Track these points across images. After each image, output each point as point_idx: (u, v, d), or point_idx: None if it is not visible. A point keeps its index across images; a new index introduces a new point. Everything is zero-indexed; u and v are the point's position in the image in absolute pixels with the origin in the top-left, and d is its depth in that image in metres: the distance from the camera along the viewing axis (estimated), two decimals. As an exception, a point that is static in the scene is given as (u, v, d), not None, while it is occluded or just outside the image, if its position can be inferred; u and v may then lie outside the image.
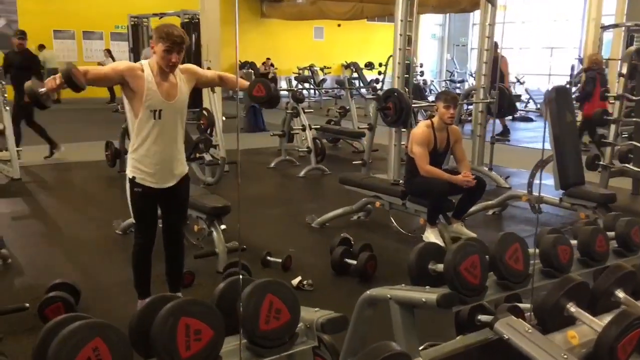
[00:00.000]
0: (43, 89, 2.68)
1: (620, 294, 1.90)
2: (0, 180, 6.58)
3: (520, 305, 2.52)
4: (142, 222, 3.22)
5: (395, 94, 5.82)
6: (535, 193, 4.94)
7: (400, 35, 5.97)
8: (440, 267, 2.08)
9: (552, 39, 17.81)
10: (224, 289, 1.75)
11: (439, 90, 17.62)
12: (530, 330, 1.69)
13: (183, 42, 2.97)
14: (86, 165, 7.61)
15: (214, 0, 8.79)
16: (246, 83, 3.30)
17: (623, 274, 1.90)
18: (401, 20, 5.95)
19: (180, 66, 3.14)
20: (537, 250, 2.26)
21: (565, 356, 1.56)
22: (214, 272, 4.01)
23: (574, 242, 2.32)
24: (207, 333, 1.52)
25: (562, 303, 1.82)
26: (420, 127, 4.32)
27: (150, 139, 3.05)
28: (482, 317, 2.34)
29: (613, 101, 6.16)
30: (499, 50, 7.57)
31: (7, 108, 6.66)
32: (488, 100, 6.52)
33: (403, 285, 2.02)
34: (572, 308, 1.80)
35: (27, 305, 3.22)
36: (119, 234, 4.79)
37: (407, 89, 5.96)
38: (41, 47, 15.19)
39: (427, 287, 1.95)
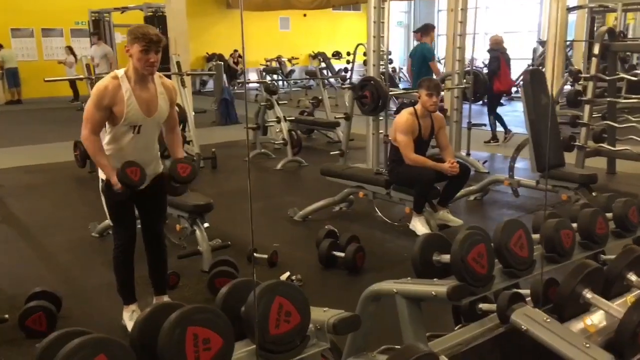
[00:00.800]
0: (117, 189, 2.85)
1: (633, 277, 1.87)
2: (-35, 186, 6.31)
3: (521, 291, 2.50)
4: (120, 224, 3.10)
5: (372, 82, 5.77)
6: (517, 177, 4.96)
7: (374, 22, 5.91)
8: (445, 258, 2.02)
9: (510, 23, 18.04)
10: (228, 293, 1.66)
11: (408, 78, 17.73)
12: (548, 320, 1.65)
13: (160, 40, 2.84)
14: (54, 167, 7.36)
15: (180, -8, 8.57)
16: (178, 154, 3.13)
17: (635, 257, 1.88)
18: (374, 7, 5.88)
19: (165, 80, 3.03)
20: (539, 236, 2.24)
21: (588, 345, 1.52)
22: (199, 271, 3.91)
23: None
24: (216, 341, 1.44)
25: (578, 290, 1.78)
26: (404, 115, 4.27)
27: (127, 149, 2.95)
28: (485, 306, 2.31)
29: (585, 82, 6.23)
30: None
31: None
32: (463, 86, 6.52)
33: (409, 278, 1.96)
34: (589, 294, 1.77)
35: (7, 316, 3.07)
36: (96, 236, 4.64)
37: (382, 77, 5.92)
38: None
39: (434, 279, 1.89)
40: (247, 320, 1.55)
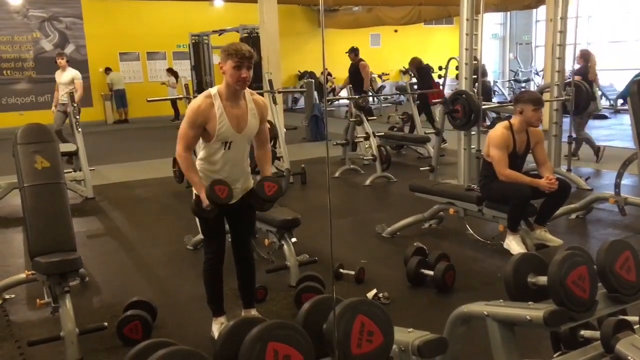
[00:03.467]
0: (205, 205, 2.93)
1: None
2: (74, 200, 6.77)
3: (628, 317, 2.29)
4: (210, 238, 3.18)
5: (464, 95, 5.63)
6: (623, 194, 4.60)
7: (467, 34, 5.78)
8: (541, 280, 1.89)
9: (617, 32, 16.94)
10: (309, 310, 1.64)
11: (503, 91, 17.15)
12: (660, 352, 1.48)
13: (252, 56, 2.91)
14: (155, 182, 7.76)
15: (273, 13, 8.82)
16: (266, 171, 3.18)
17: None
18: (467, 20, 5.75)
19: (255, 96, 3.09)
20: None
21: None
22: (286, 286, 3.93)
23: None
24: (296, 358, 1.41)
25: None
26: (499, 129, 4.08)
27: (218, 165, 3.05)
28: (587, 333, 2.13)
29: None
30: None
31: (80, 129, 6.87)
32: (563, 98, 6.18)
33: (501, 301, 1.85)
34: None
35: (106, 324, 3.22)
36: (190, 249, 4.80)
37: (475, 90, 5.74)
38: (107, 70, 15.81)
39: (529, 302, 1.77)
40: (329, 338, 1.51)
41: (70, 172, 6.82)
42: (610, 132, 10.41)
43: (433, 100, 8.59)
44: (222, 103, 2.94)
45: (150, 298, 3.56)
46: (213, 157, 3.03)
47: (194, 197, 3.05)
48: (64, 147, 6.73)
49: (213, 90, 3.00)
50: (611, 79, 15.04)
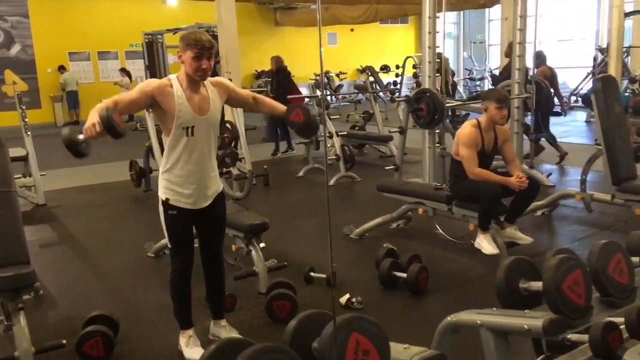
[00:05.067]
0: (82, 136, 2.48)
1: None
2: (25, 207, 6.41)
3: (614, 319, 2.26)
4: (179, 246, 3.01)
5: (428, 94, 5.58)
6: (589, 191, 4.64)
7: (429, 32, 5.72)
8: (534, 285, 1.82)
9: (564, 31, 17.41)
10: (297, 327, 1.52)
11: (459, 89, 17.36)
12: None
13: (212, 46, 2.78)
14: (111, 187, 7.46)
15: (231, 11, 8.61)
16: (283, 108, 3.09)
17: None
18: (429, 17, 5.70)
19: (211, 79, 2.95)
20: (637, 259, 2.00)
21: None
22: (255, 293, 3.78)
23: None
24: (288, 385, 1.29)
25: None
26: (467, 128, 4.04)
27: (184, 157, 2.86)
28: (574, 337, 2.08)
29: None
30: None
31: (29, 133, 6.52)
32: (524, 95, 6.23)
33: (494, 309, 1.77)
34: None
35: (64, 341, 3.01)
36: (152, 256, 4.59)
37: (438, 89, 5.71)
38: (61, 68, 15.20)
39: (525, 310, 1.69)
40: (321, 359, 1.39)
41: (20, 177, 6.46)
42: (566, 128, 10.64)
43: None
44: (181, 87, 2.80)
45: (111, 311, 3.35)
46: (177, 149, 2.84)
47: (163, 202, 2.88)
48: (13, 152, 6.38)
49: (171, 76, 2.86)
50: (563, 77, 15.42)
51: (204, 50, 2.73)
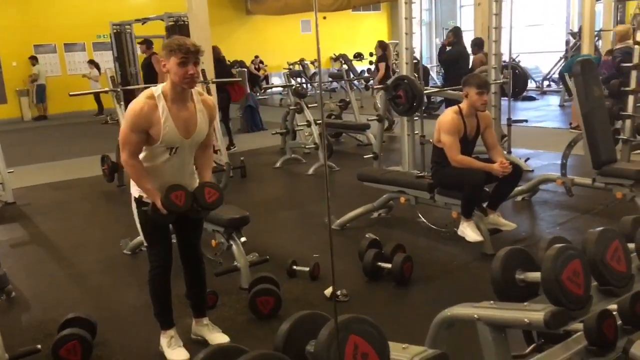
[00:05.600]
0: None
1: None
2: (-7, 206, 6.21)
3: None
4: (155, 245, 2.89)
5: (406, 81, 5.51)
6: (570, 175, 4.64)
7: (406, 18, 5.65)
8: (531, 276, 1.77)
9: (533, 16, 17.54)
10: (291, 330, 1.43)
11: (432, 75, 17.38)
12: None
13: (198, 50, 2.61)
14: (82, 182, 7.24)
15: (202, 0, 8.40)
16: (205, 177, 2.92)
17: None
18: (405, 3, 5.62)
19: (205, 96, 2.82)
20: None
21: None
22: (237, 289, 3.69)
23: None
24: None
25: None
26: (449, 115, 3.99)
27: (162, 169, 2.77)
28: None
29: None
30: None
31: (-5, 128, 6.28)
32: (501, 81, 6.21)
33: (491, 302, 1.71)
34: None
35: (39, 346, 2.88)
36: (128, 254, 4.45)
37: (416, 75, 5.65)
38: (33, 59, 14.74)
39: (525, 303, 1.63)
40: (316, 363, 1.31)
41: (-14, 175, 6.23)
42: (540, 113, 10.72)
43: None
44: (166, 105, 2.64)
45: (87, 313, 3.22)
46: (155, 162, 2.74)
47: (137, 200, 2.75)
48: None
49: (157, 91, 2.67)
50: (536, 61, 15.56)
51: (189, 54, 2.56)
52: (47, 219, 5.77)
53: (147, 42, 9.42)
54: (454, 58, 8.58)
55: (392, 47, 10.08)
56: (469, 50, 8.96)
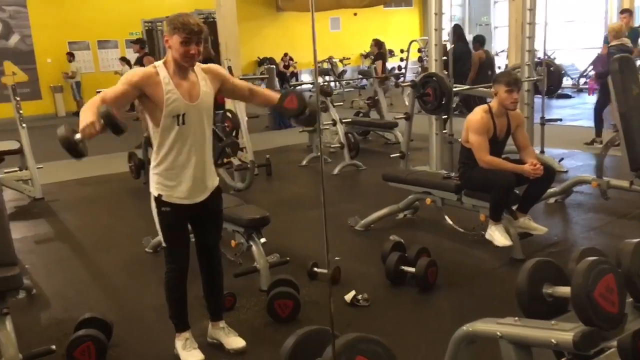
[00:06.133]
0: (79, 136, 2.30)
1: None
2: (21, 201, 6.28)
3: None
4: (174, 245, 2.83)
5: (434, 78, 5.36)
6: (606, 177, 4.43)
7: (435, 14, 5.50)
8: (559, 291, 1.63)
9: (570, 12, 17.03)
10: (296, 346, 1.33)
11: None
12: None
13: (201, 30, 2.58)
14: (109, 179, 7.29)
15: (230, -4, 8.39)
16: (276, 96, 2.90)
17: None
18: (435, -2, 5.47)
19: (202, 65, 2.76)
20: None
21: None
22: (256, 290, 3.61)
23: None
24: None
25: None
26: (478, 114, 3.83)
27: (176, 149, 2.67)
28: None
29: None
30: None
31: (24, 125, 6.35)
32: (535, 78, 6.00)
33: (516, 318, 1.58)
34: None
35: (54, 347, 2.85)
36: (150, 252, 4.43)
37: (446, 72, 5.49)
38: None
39: (552, 321, 1.50)
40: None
41: (16, 171, 6.30)
42: (575, 111, 10.38)
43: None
44: (168, 74, 2.61)
45: (104, 313, 3.19)
46: (167, 140, 2.65)
47: (155, 199, 2.71)
48: (5, 145, 6.23)
49: (158, 63, 2.66)
50: (572, 58, 15.13)
51: (192, 34, 2.54)
52: (72, 215, 5.81)
53: (140, 42, 9.51)
54: (456, 55, 8.53)
55: (422, 43, 9.95)
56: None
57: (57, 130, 2.34)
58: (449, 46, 7.03)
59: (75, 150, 2.33)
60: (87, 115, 2.34)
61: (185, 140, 2.67)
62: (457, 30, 8.90)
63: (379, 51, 9.82)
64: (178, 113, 2.62)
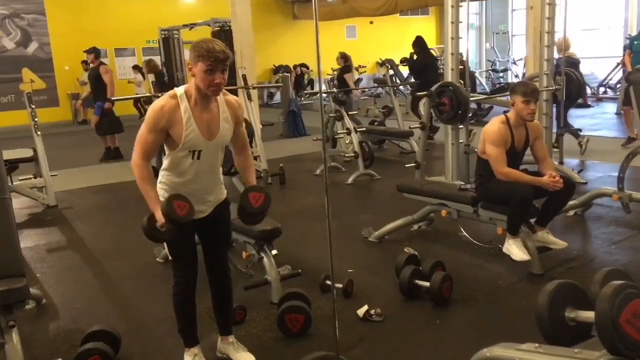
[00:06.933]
0: (159, 225, 2.55)
1: None
2: (35, 209, 6.29)
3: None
4: (181, 259, 2.77)
5: (450, 87, 5.29)
6: (627, 190, 4.30)
7: (452, 22, 5.42)
8: (582, 315, 1.54)
9: (589, 20, 16.81)
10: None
11: (481, 81, 16.94)
12: None
13: (227, 58, 2.47)
14: (123, 187, 7.25)
15: (246, 5, 8.38)
16: (251, 180, 2.80)
17: None
18: (452, 7, 5.40)
19: (228, 97, 2.68)
20: None
21: None
22: (267, 303, 3.54)
23: None
24: None
25: None
26: (495, 124, 3.73)
27: (187, 176, 2.64)
28: None
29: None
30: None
31: (39, 132, 6.37)
32: (554, 88, 5.88)
33: (537, 345, 1.49)
34: None
35: (60, 360, 2.80)
36: (161, 262, 4.38)
37: (462, 82, 5.41)
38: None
39: (575, 349, 1.41)
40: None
41: (30, 178, 6.32)
42: (595, 121, 10.21)
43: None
44: (189, 106, 2.52)
45: (113, 324, 3.16)
46: (179, 167, 2.62)
47: (147, 217, 2.63)
48: (19, 153, 6.24)
49: (179, 91, 2.56)
50: (592, 67, 14.91)
51: (217, 62, 2.43)
52: (85, 223, 5.80)
53: (95, 51, 8.86)
54: (421, 66, 9.16)
55: (438, 51, 9.93)
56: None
57: (143, 224, 2.59)
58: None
59: (161, 239, 2.71)
60: (151, 199, 2.55)
61: (198, 170, 2.64)
62: (420, 42, 9.09)
63: (345, 64, 9.93)
64: (195, 149, 2.57)
